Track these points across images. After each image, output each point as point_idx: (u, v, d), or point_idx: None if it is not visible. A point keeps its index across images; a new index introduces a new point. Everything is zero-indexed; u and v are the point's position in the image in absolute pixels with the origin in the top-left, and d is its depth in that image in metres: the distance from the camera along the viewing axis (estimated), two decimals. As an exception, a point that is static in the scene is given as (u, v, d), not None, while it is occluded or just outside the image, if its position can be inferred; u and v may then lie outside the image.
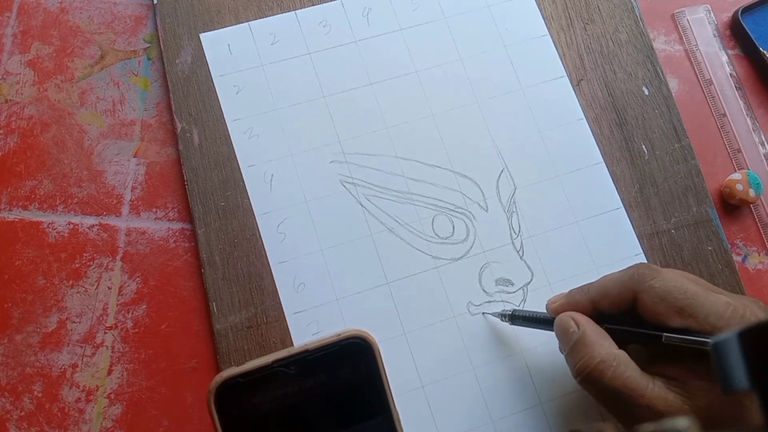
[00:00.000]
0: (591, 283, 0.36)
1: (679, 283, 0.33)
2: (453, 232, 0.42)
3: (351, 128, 0.44)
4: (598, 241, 0.43)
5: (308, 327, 0.40)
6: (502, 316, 0.39)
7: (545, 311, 0.38)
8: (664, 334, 0.32)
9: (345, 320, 0.40)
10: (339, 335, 0.30)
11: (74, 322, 0.40)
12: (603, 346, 0.33)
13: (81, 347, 0.40)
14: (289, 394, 0.30)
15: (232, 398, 0.29)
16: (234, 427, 0.29)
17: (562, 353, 0.36)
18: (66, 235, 0.42)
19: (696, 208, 0.44)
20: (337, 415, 0.30)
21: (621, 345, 0.34)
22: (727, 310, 0.32)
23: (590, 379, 0.33)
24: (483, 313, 0.40)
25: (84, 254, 0.41)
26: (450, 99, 0.45)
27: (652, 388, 0.32)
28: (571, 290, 0.37)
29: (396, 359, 0.39)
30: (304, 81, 0.44)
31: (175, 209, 0.43)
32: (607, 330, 0.34)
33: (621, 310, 0.35)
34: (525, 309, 0.39)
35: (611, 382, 0.32)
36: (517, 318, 0.38)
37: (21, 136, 0.43)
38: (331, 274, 0.41)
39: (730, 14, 0.50)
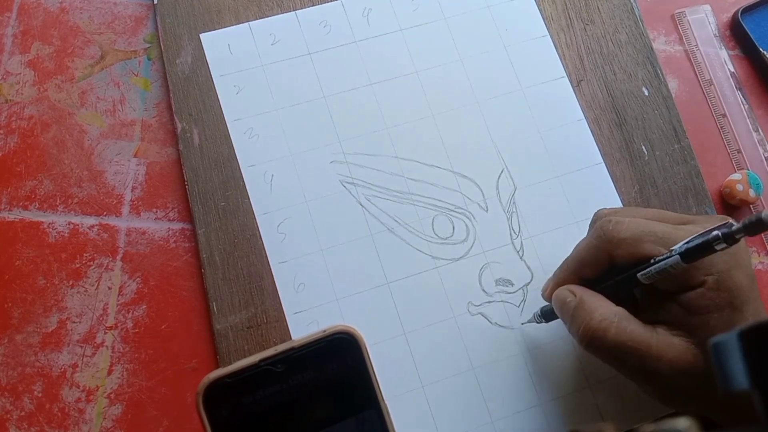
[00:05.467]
0: (567, 257, 0.37)
1: (647, 227, 0.33)
2: (453, 232, 0.42)
3: (351, 128, 0.44)
4: (598, 241, 0.43)
5: (308, 327, 0.40)
6: (536, 318, 0.39)
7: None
8: (638, 273, 0.33)
9: (345, 320, 0.40)
10: (324, 331, 0.31)
11: (74, 322, 0.40)
12: (601, 306, 0.33)
13: (81, 347, 0.40)
14: (278, 392, 0.30)
15: (221, 399, 0.30)
16: (224, 428, 0.30)
17: (570, 332, 0.36)
18: (66, 235, 0.42)
19: (696, 209, 0.44)
20: (327, 410, 0.30)
21: (618, 304, 0.34)
22: None
23: (595, 340, 0.32)
24: (521, 324, 0.41)
25: (84, 254, 0.41)
26: (450, 99, 0.45)
27: (657, 338, 0.32)
28: (555, 271, 0.37)
29: (396, 359, 0.40)
30: (304, 81, 0.44)
31: (175, 209, 0.43)
32: (599, 292, 0.34)
33: (605, 271, 0.35)
34: (545, 305, 0.39)
35: (616, 338, 0.32)
36: (546, 314, 0.38)
37: (21, 136, 0.43)
38: (331, 274, 0.41)
39: (730, 14, 0.50)
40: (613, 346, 0.32)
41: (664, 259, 0.31)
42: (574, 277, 0.36)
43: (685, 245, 0.31)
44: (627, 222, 0.33)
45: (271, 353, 0.30)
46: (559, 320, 0.37)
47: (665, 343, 0.32)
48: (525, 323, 0.41)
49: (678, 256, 0.31)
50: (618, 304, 0.34)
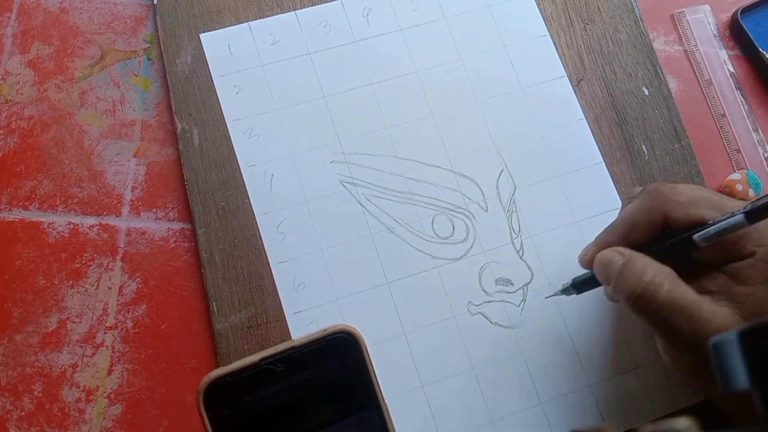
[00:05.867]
0: (614, 222, 0.36)
1: (703, 192, 0.33)
2: (453, 232, 0.42)
3: (351, 128, 0.44)
4: (598, 241, 0.43)
5: (308, 327, 0.40)
6: (566, 290, 0.38)
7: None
8: (694, 235, 0.32)
9: (345, 320, 0.40)
10: (325, 330, 0.31)
11: (74, 322, 0.40)
12: (653, 265, 0.32)
13: (81, 347, 0.40)
14: (278, 391, 0.30)
15: (222, 398, 0.30)
16: (224, 427, 0.30)
17: (607, 297, 0.35)
18: (66, 235, 0.42)
19: (696, 208, 0.44)
20: (327, 410, 0.30)
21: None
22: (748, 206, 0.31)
23: (646, 298, 0.31)
24: (545, 297, 0.40)
25: (84, 254, 0.41)
26: (450, 99, 0.45)
27: (707, 303, 0.31)
28: (597, 236, 0.36)
29: (396, 359, 0.40)
30: (304, 81, 0.45)
31: (175, 209, 0.43)
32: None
33: (654, 237, 0.34)
34: (577, 276, 0.38)
35: (669, 296, 0.31)
36: (579, 285, 0.37)
37: (21, 136, 0.43)
38: (331, 274, 0.41)
39: (729, 14, 0.50)
40: (663, 305, 0.31)
41: (725, 219, 0.31)
42: (621, 240, 0.35)
43: (751, 205, 0.30)
44: (684, 186, 0.33)
45: (272, 352, 0.30)
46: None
47: (713, 310, 0.31)
48: (550, 296, 0.40)
49: (743, 214, 0.30)
50: None
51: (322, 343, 0.31)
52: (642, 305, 0.32)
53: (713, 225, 0.31)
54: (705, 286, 0.32)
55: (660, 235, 0.34)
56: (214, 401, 0.30)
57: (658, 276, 0.32)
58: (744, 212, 0.30)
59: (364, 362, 0.31)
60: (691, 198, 0.33)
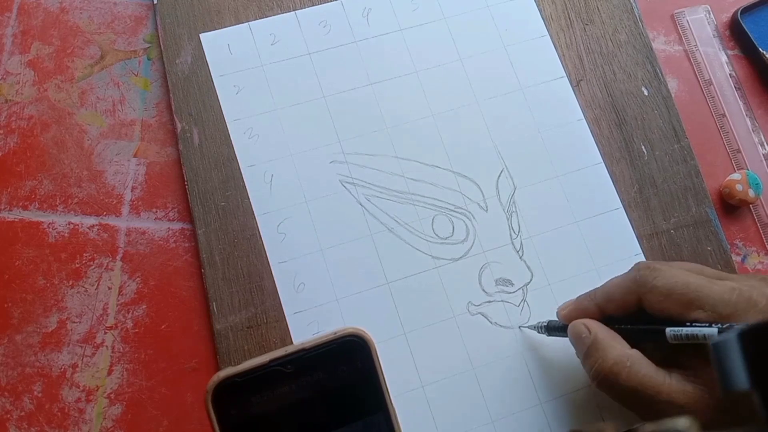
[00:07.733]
0: (596, 288, 0.37)
1: (681, 278, 0.33)
2: (453, 232, 0.42)
3: (351, 128, 0.44)
4: (598, 241, 0.43)
5: (308, 327, 0.40)
6: (539, 328, 0.39)
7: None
8: (667, 328, 0.32)
9: (345, 320, 0.40)
10: (335, 333, 0.31)
11: (74, 322, 0.40)
12: (615, 348, 0.33)
13: (81, 347, 0.40)
14: (287, 393, 0.30)
15: (230, 398, 0.30)
16: (232, 427, 0.29)
17: (582, 366, 0.36)
18: (66, 235, 0.42)
19: (695, 209, 0.44)
20: (335, 413, 0.30)
21: (634, 345, 0.34)
22: (733, 296, 0.32)
23: (607, 382, 0.33)
24: (519, 327, 0.41)
25: (84, 254, 0.41)
26: (450, 99, 0.45)
27: (669, 383, 0.32)
28: (579, 296, 0.37)
29: (396, 359, 0.40)
30: (304, 81, 0.45)
31: (175, 209, 0.43)
32: (617, 331, 0.34)
33: (628, 313, 0.35)
34: (553, 320, 0.39)
35: (627, 382, 0.32)
36: (552, 329, 0.39)
37: (21, 136, 0.43)
38: (331, 274, 0.41)
39: (729, 14, 0.50)
40: (623, 390, 0.32)
41: (700, 327, 0.31)
42: (596, 308, 0.36)
43: (728, 326, 0.30)
44: (665, 270, 0.34)
45: (282, 353, 0.30)
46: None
47: (678, 389, 0.32)
48: (524, 327, 0.41)
49: (717, 331, 0.30)
50: (633, 345, 0.34)
51: (332, 345, 0.31)
52: (604, 388, 0.33)
53: (688, 327, 0.32)
54: (678, 360, 0.33)
55: (635, 313, 0.34)
56: (223, 401, 0.30)
57: (618, 363, 0.32)
58: (719, 329, 0.31)
59: (373, 366, 0.31)
60: (667, 284, 0.33)
